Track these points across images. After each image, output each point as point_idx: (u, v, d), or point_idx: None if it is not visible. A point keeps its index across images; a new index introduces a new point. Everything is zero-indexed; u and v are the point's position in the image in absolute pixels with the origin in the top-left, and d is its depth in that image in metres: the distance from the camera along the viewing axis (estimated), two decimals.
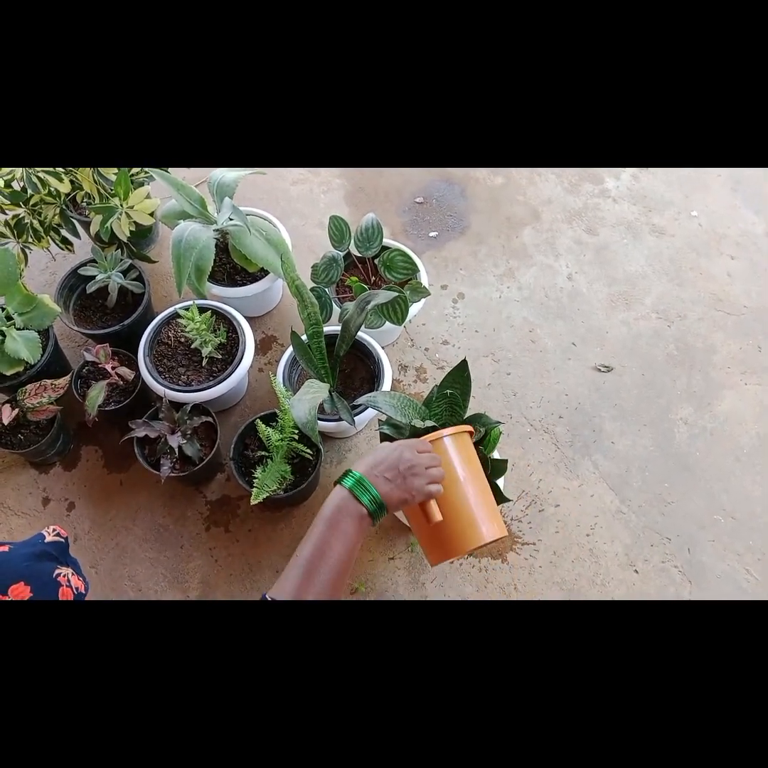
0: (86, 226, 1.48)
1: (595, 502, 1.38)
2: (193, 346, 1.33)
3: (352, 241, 1.37)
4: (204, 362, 1.33)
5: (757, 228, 1.74)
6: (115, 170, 1.29)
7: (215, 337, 1.33)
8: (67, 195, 1.34)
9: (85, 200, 1.39)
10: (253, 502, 1.15)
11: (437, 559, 0.98)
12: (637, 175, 1.84)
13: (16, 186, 1.26)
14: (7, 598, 0.66)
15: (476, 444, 1.08)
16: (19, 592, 0.67)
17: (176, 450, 1.22)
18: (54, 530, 0.78)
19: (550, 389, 1.50)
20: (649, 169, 1.83)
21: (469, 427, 1.03)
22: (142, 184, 1.38)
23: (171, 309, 1.37)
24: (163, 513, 1.37)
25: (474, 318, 1.59)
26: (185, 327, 1.29)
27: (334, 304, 1.37)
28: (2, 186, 1.24)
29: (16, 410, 1.25)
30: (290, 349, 1.33)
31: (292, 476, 1.24)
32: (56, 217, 1.32)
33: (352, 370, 1.37)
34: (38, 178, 1.23)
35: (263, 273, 1.43)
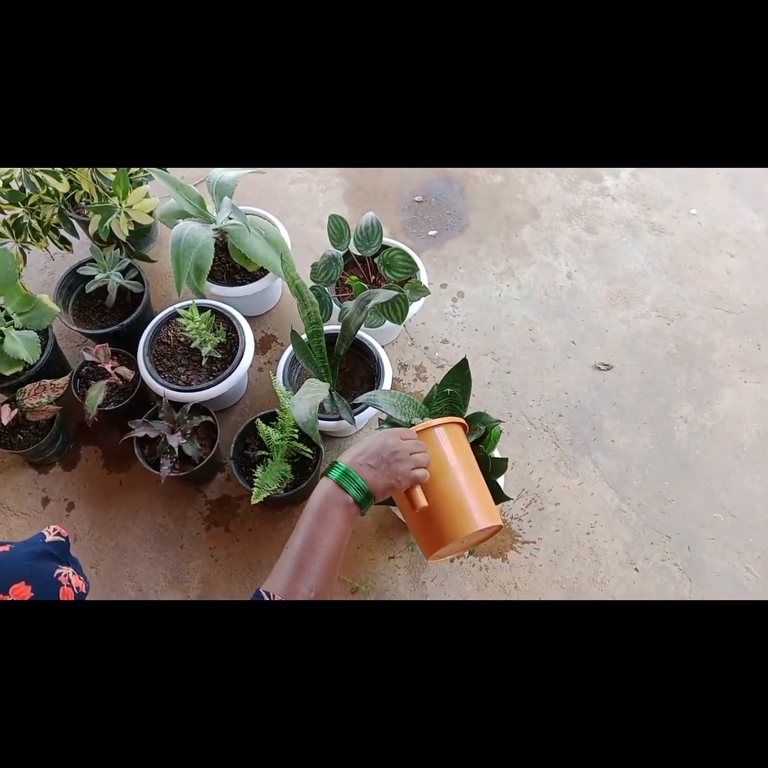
0: (85, 225, 1.48)
1: (595, 500, 1.38)
2: (192, 346, 1.33)
3: (352, 240, 1.37)
4: (204, 362, 1.33)
5: (757, 226, 1.74)
6: (114, 169, 1.29)
7: (215, 336, 1.33)
8: (66, 194, 1.33)
9: (83, 200, 1.39)
10: (254, 501, 1.15)
11: (431, 550, 0.96)
12: (636, 173, 1.83)
13: (15, 185, 1.25)
14: (7, 598, 0.66)
15: (477, 442, 1.08)
16: (20, 591, 0.67)
17: (176, 450, 1.22)
18: (54, 530, 0.78)
19: (549, 388, 1.50)
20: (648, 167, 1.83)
21: (460, 420, 1.03)
22: (140, 184, 1.38)
23: (170, 308, 1.37)
24: (163, 513, 1.37)
25: (474, 317, 1.59)
26: (185, 326, 1.29)
27: (333, 303, 1.37)
28: (1, 186, 1.24)
29: (16, 410, 1.25)
30: (290, 348, 1.32)
31: (293, 475, 1.24)
32: (55, 217, 1.32)
33: (352, 369, 1.36)
34: (36, 177, 1.22)
35: (262, 272, 1.43)
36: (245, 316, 1.40)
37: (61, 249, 1.39)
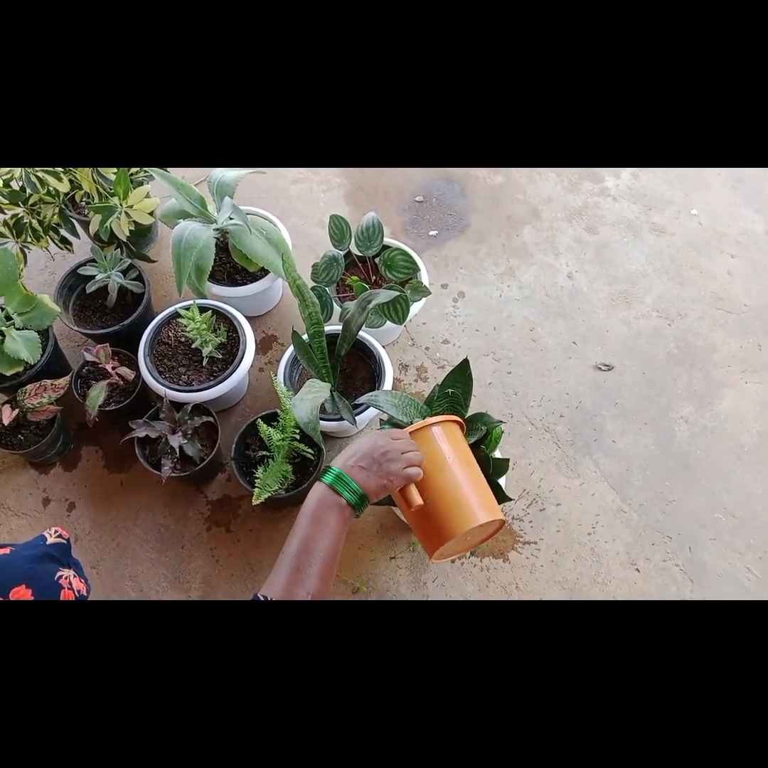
0: (85, 225, 1.48)
1: (596, 501, 1.38)
2: (193, 346, 1.33)
3: (353, 240, 1.36)
4: (204, 362, 1.33)
5: (758, 226, 1.74)
6: (115, 169, 1.29)
7: (216, 336, 1.32)
8: (66, 194, 1.33)
9: (84, 199, 1.39)
10: (255, 502, 1.15)
11: (433, 548, 0.95)
12: (637, 173, 1.83)
13: (15, 185, 1.25)
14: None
15: (478, 443, 1.08)
16: (21, 595, 0.66)
17: (177, 450, 1.22)
18: (56, 531, 0.78)
19: (550, 388, 1.50)
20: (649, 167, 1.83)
21: (455, 417, 1.02)
22: (141, 183, 1.38)
23: (171, 309, 1.37)
24: (164, 513, 1.37)
25: (474, 317, 1.59)
26: (186, 327, 1.29)
27: (334, 303, 1.37)
28: (1, 185, 1.24)
29: (16, 410, 1.25)
30: (291, 348, 1.32)
31: (294, 476, 1.24)
32: (55, 217, 1.32)
33: (352, 370, 1.36)
34: (37, 177, 1.22)
35: (263, 272, 1.43)
36: (246, 317, 1.40)
37: (61, 249, 1.39)
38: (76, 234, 1.40)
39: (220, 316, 1.38)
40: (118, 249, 1.40)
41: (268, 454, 1.23)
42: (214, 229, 1.28)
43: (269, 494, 1.17)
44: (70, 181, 1.28)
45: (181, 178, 1.32)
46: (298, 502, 1.35)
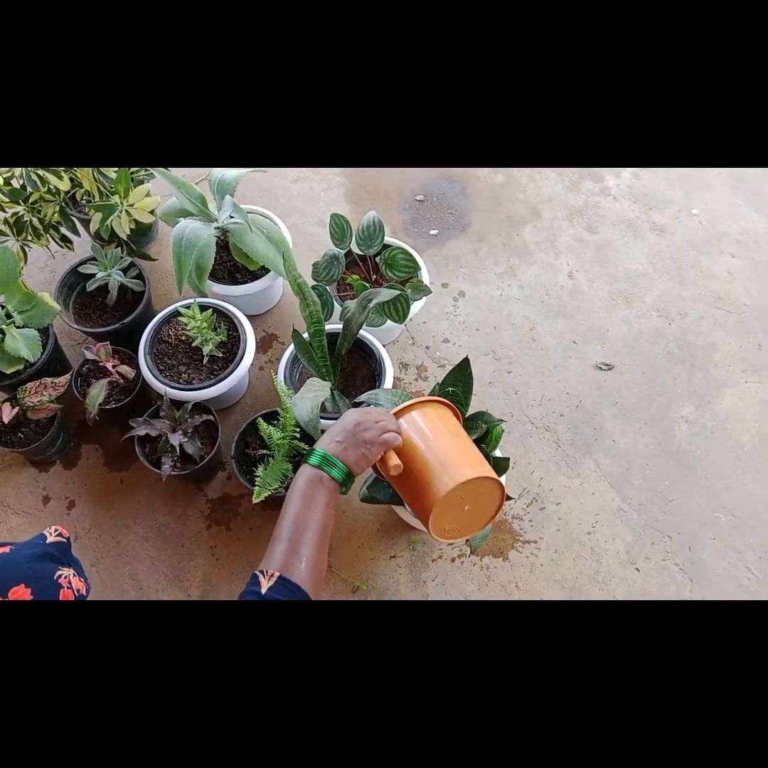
0: (86, 223, 1.47)
1: (596, 500, 1.38)
2: (193, 345, 1.33)
3: (354, 239, 1.36)
4: (205, 360, 1.33)
5: (758, 226, 1.74)
6: (116, 168, 1.29)
7: (216, 335, 1.32)
8: (67, 193, 1.33)
9: (84, 198, 1.39)
10: (255, 500, 1.15)
11: (427, 514, 0.91)
12: (637, 173, 1.83)
13: (16, 183, 1.25)
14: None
15: (478, 442, 1.08)
16: (20, 594, 0.66)
17: (177, 448, 1.22)
18: (56, 530, 0.78)
19: (551, 387, 1.50)
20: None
21: (442, 399, 1.01)
22: (142, 182, 1.38)
23: (171, 307, 1.37)
24: (164, 511, 1.37)
25: (475, 316, 1.59)
26: (186, 325, 1.29)
27: (335, 302, 1.37)
28: (2, 184, 1.24)
29: (16, 409, 1.25)
30: (291, 347, 1.32)
31: (294, 474, 1.24)
32: (56, 215, 1.32)
33: (353, 369, 1.36)
34: (38, 175, 1.22)
35: (264, 271, 1.43)
36: (246, 315, 1.40)
37: (61, 247, 1.39)
38: (76, 232, 1.40)
39: (221, 314, 1.38)
40: (119, 247, 1.40)
41: (268, 452, 1.23)
42: (214, 228, 1.27)
43: (269, 493, 1.17)
44: (71, 179, 1.28)
45: (182, 177, 1.32)
46: None
